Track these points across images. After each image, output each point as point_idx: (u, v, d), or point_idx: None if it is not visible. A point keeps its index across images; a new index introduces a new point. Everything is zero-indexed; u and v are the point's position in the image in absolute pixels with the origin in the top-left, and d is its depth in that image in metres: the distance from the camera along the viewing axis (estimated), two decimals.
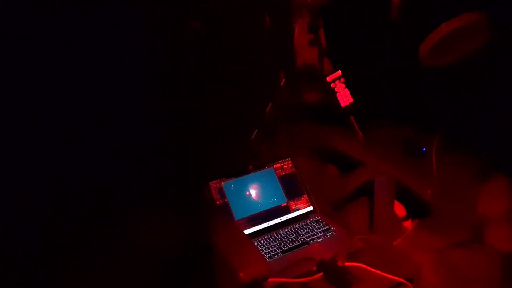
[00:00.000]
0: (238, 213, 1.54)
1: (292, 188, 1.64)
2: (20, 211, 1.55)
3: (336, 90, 2.05)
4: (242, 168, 1.60)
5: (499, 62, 1.86)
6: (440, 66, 1.84)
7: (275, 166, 1.65)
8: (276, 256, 1.42)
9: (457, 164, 2.11)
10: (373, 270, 1.29)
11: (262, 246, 1.47)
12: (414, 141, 2.27)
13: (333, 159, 1.74)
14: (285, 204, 1.60)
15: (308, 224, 1.56)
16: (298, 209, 1.61)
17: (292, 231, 1.53)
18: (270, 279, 1.23)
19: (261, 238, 1.50)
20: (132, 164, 1.71)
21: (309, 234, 1.51)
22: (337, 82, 2.04)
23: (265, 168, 1.64)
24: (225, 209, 1.53)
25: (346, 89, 2.05)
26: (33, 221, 1.56)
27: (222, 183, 1.56)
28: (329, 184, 1.70)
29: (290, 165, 1.67)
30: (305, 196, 1.64)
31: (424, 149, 2.22)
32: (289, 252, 1.43)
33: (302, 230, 1.53)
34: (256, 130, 1.71)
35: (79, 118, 1.71)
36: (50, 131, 1.64)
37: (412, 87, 2.16)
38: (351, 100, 2.07)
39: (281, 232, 1.53)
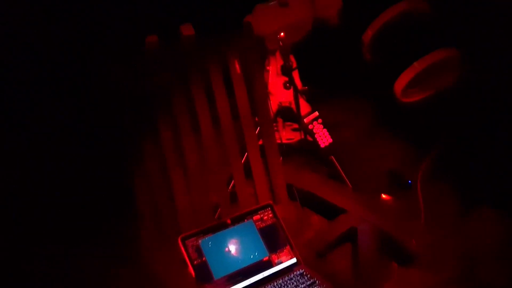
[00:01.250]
0: (218, 272, 1.45)
1: (274, 240, 1.56)
2: None
3: (314, 131, 2.01)
4: (220, 223, 1.54)
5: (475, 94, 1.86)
6: (415, 102, 1.83)
7: (254, 218, 1.58)
8: None
9: (443, 197, 2.08)
10: None
11: None
12: (399, 173, 2.24)
13: (315, 206, 1.68)
14: (267, 258, 1.53)
15: (292, 279, 1.48)
16: (281, 262, 1.54)
17: (275, 287, 1.45)
18: None
19: None
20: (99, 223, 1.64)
21: None
22: (314, 123, 2.01)
23: (244, 221, 1.56)
24: (204, 269, 1.44)
25: (325, 130, 2.02)
26: None
27: (199, 241, 1.48)
28: (312, 232, 1.64)
29: (270, 215, 1.60)
30: (288, 247, 1.57)
31: (410, 181, 2.18)
32: None
33: (286, 286, 1.45)
34: (233, 181, 1.65)
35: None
36: None
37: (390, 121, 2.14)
38: (330, 140, 2.03)
39: None
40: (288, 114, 2.09)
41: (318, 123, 2.01)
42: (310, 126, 2.00)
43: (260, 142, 1.75)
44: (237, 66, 1.56)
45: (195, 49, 1.56)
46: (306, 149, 2.14)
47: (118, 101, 1.41)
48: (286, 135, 2.18)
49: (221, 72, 1.54)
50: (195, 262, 1.45)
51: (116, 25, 1.62)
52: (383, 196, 2.16)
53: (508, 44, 1.61)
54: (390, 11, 1.70)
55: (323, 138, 2.02)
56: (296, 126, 2.16)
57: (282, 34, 1.84)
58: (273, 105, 2.02)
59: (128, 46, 1.55)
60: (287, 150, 2.10)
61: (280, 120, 2.14)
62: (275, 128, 2.15)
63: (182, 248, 1.46)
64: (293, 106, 2.00)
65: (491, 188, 1.91)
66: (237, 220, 1.57)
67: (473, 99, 1.87)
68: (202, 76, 1.53)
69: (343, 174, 2.09)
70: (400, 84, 1.70)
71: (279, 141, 2.09)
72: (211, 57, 1.54)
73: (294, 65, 1.94)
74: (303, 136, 2.09)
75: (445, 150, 2.10)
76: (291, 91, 1.96)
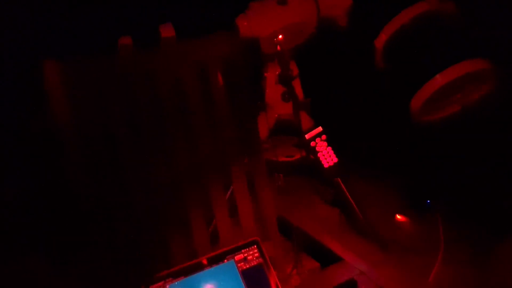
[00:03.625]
0: None
1: (259, 285, 1.31)
2: None
3: (317, 149, 1.74)
4: (193, 263, 1.29)
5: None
6: (435, 122, 1.54)
7: (236, 258, 1.33)
8: None
9: (466, 223, 1.81)
10: None
11: None
12: (417, 191, 1.98)
13: (310, 247, 1.42)
14: None
15: None
16: None
17: None
18: None
19: None
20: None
21: None
22: (317, 140, 1.74)
23: (224, 262, 1.32)
24: None
25: (329, 148, 1.75)
26: None
27: (167, 285, 1.24)
28: (306, 277, 1.38)
29: (256, 254, 1.34)
30: None
31: (428, 201, 1.92)
32: None
33: None
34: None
35: None
36: None
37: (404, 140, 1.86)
38: (335, 160, 1.76)
39: None
40: (288, 128, 1.82)
41: (322, 140, 1.74)
42: (312, 143, 1.74)
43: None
44: (220, 77, 1.31)
45: (174, 55, 1.30)
46: (308, 167, 1.88)
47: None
48: (286, 151, 1.91)
49: (199, 84, 1.29)
50: None
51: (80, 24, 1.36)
52: (398, 217, 1.91)
53: None
54: (409, 11, 1.41)
55: (327, 157, 1.75)
56: (297, 140, 1.90)
57: (280, 36, 1.58)
58: (271, 118, 1.76)
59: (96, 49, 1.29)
60: (285, 169, 1.85)
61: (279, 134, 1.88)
62: (274, 143, 1.91)
63: None
64: (293, 120, 1.73)
65: None
66: (215, 260, 1.32)
67: (507, 117, 1.58)
68: (177, 89, 1.27)
69: (350, 198, 1.82)
70: (418, 100, 1.41)
71: (275, 159, 1.84)
72: (187, 65, 1.28)
73: (295, 72, 1.67)
74: (304, 154, 1.83)
75: (471, 171, 1.84)
76: (291, 103, 1.69)
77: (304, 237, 1.45)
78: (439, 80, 1.34)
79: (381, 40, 1.47)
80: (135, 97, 1.23)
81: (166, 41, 1.31)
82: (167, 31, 1.34)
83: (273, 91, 1.75)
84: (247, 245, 1.35)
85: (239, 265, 1.32)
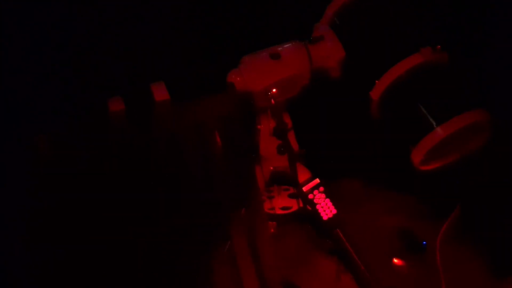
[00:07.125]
0: None
1: None
2: None
3: (315, 201, 1.70)
4: None
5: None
6: (435, 169, 1.53)
7: None
8: None
9: (468, 263, 1.79)
10: None
11: None
12: (412, 233, 1.96)
13: None
14: None
15: None
16: None
17: None
18: None
19: None
20: None
21: None
22: (315, 192, 1.70)
23: None
24: None
25: (328, 199, 1.71)
26: None
27: None
28: None
29: None
30: None
31: (424, 242, 1.89)
32: None
33: None
34: None
35: None
36: None
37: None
38: (334, 211, 1.72)
39: None
40: (284, 180, 1.78)
41: (320, 192, 1.70)
42: (310, 196, 1.70)
43: None
44: (218, 139, 1.26)
45: (170, 119, 1.25)
46: (306, 218, 1.84)
47: None
48: (282, 202, 1.86)
49: (196, 147, 1.24)
50: None
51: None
52: (395, 260, 1.88)
53: None
54: (404, 64, 1.41)
55: (326, 209, 1.72)
56: (293, 190, 1.85)
57: (274, 90, 1.55)
58: (266, 171, 1.72)
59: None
60: (281, 220, 1.80)
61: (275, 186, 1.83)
62: (269, 194, 1.86)
63: None
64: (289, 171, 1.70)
65: None
66: None
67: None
68: (174, 153, 1.22)
69: (351, 249, 1.77)
70: (419, 152, 1.40)
71: (272, 211, 1.79)
72: (184, 129, 1.23)
73: (289, 125, 1.65)
74: (301, 205, 1.78)
75: (470, 207, 1.83)
76: (286, 155, 1.66)
77: None
78: (440, 133, 1.33)
79: (377, 92, 1.47)
80: (130, 166, 1.17)
81: (160, 104, 1.26)
82: (160, 94, 1.28)
83: (267, 143, 1.72)
84: None
85: None
